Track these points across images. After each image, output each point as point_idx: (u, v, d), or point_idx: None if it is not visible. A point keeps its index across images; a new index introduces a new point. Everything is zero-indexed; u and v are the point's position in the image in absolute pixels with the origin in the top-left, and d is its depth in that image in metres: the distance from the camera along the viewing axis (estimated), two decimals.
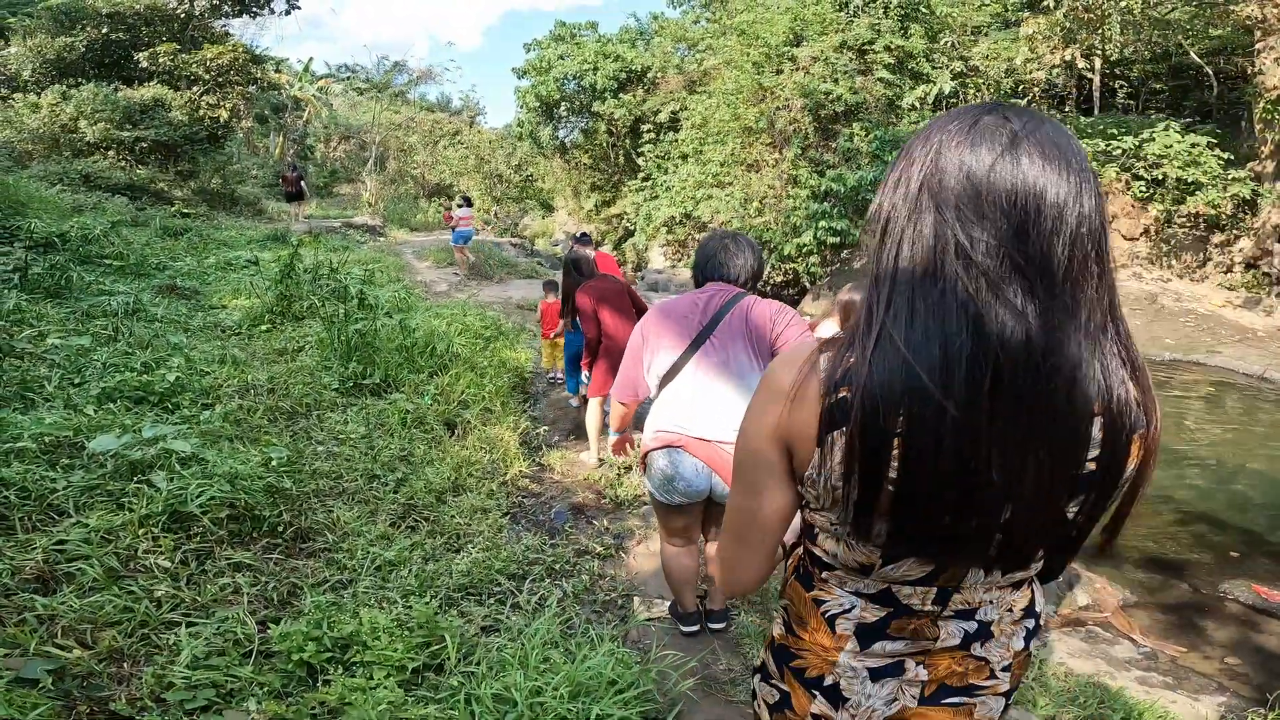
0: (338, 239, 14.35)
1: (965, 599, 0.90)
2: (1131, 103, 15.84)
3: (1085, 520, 0.85)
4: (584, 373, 4.77)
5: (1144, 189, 13.09)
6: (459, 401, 4.72)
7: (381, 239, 17.32)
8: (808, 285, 15.03)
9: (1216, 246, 13.18)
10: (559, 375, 6.19)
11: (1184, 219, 13.09)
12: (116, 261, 8.22)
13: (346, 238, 15.09)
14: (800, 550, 1.01)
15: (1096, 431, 0.79)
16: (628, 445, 3.05)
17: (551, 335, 6.10)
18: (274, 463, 3.34)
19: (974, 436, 0.75)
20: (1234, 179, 12.23)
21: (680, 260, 18.58)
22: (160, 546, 2.62)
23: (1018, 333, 0.74)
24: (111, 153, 13.98)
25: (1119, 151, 13.18)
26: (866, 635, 0.92)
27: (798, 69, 14.96)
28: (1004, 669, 0.95)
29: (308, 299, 5.92)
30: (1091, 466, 0.80)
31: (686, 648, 2.69)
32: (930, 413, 0.75)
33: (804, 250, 14.18)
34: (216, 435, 3.73)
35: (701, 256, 2.46)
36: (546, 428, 5.08)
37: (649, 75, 21.54)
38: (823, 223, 13.66)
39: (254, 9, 16.80)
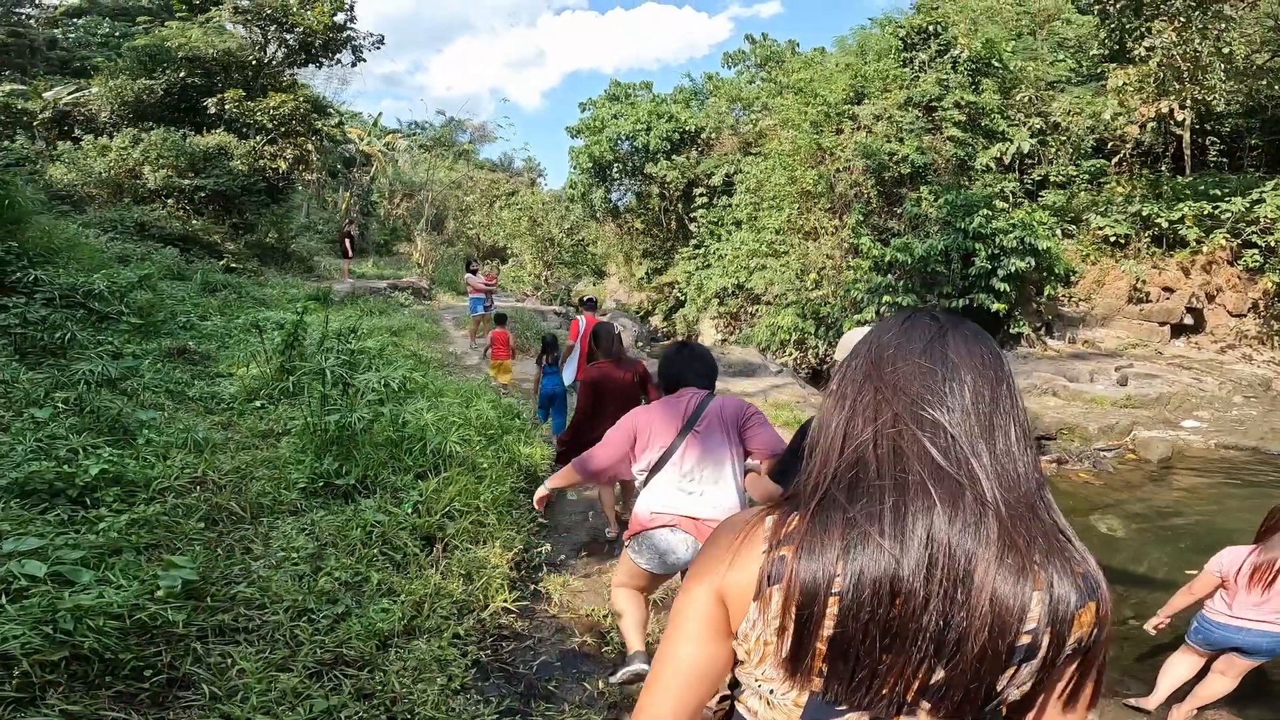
0: (379, 301, 14.07)
1: None
2: (1225, 160, 14.46)
3: (1030, 690, 0.87)
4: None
5: (1257, 257, 11.64)
6: (445, 512, 3.88)
7: (427, 302, 17.05)
8: None
9: None
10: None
11: None
12: (134, 319, 7.88)
13: (389, 300, 14.81)
14: (726, 705, 1.01)
15: (1034, 606, 0.82)
16: (545, 504, 2.99)
17: (496, 361, 8.14)
18: (163, 590, 2.57)
19: (909, 603, 0.81)
20: None
21: (733, 334, 17.57)
22: None
23: (960, 508, 0.82)
24: (171, 201, 13.99)
25: (1226, 215, 11.83)
26: None
27: (859, 128, 14.21)
28: None
29: (311, 374, 5.26)
30: (1026, 640, 0.82)
31: None
32: (868, 581, 0.81)
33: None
34: (116, 548, 2.98)
35: (671, 368, 2.87)
36: (548, 546, 4.18)
37: (703, 136, 21.18)
38: (886, 297, 12.56)
39: (321, 59, 17.15)
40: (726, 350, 14.37)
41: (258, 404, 5.65)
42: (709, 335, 18.48)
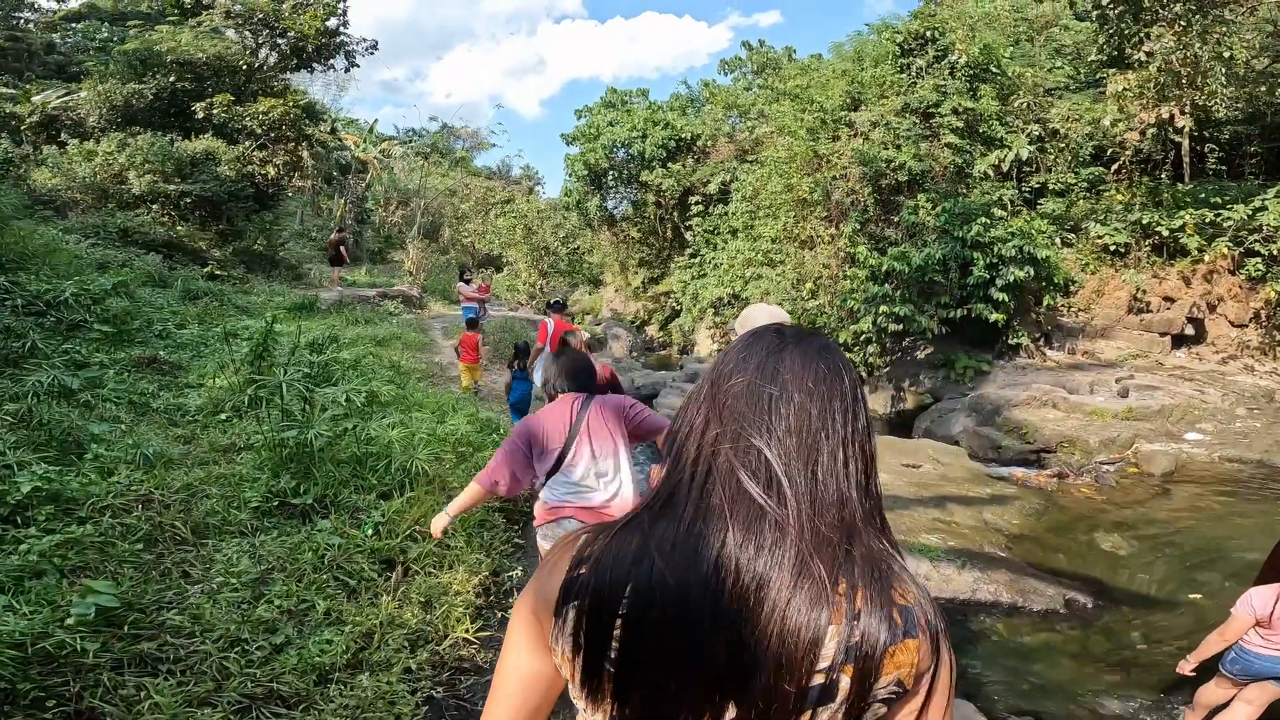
0: (366, 309, 13.83)
1: None
2: (1224, 168, 14.27)
3: None
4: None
5: (1260, 266, 11.44)
6: (408, 534, 3.63)
7: (418, 311, 16.81)
8: (864, 377, 13.62)
9: None
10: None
11: None
12: (105, 328, 7.64)
13: (377, 309, 14.57)
14: None
15: (829, 641, 0.77)
16: (439, 533, 3.03)
17: (464, 365, 8.28)
18: (74, 617, 2.33)
19: (691, 632, 0.78)
20: None
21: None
22: None
23: (757, 536, 0.79)
24: (156, 206, 13.73)
25: (1228, 223, 11.62)
26: None
27: (856, 135, 14.01)
28: None
29: (269, 387, 5.01)
30: (819, 679, 0.77)
31: None
32: (651, 603, 0.79)
33: (862, 338, 12.77)
34: (38, 570, 2.74)
35: (553, 375, 3.02)
36: (520, 570, 3.92)
37: (699, 144, 21.02)
38: (883, 307, 12.29)
39: (314, 63, 16.97)
40: None
41: (223, 417, 5.40)
42: (705, 346, 18.23)
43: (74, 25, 24.79)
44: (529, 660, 0.88)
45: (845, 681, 0.77)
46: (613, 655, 0.80)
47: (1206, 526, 6.69)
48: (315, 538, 3.39)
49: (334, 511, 3.73)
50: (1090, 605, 5.00)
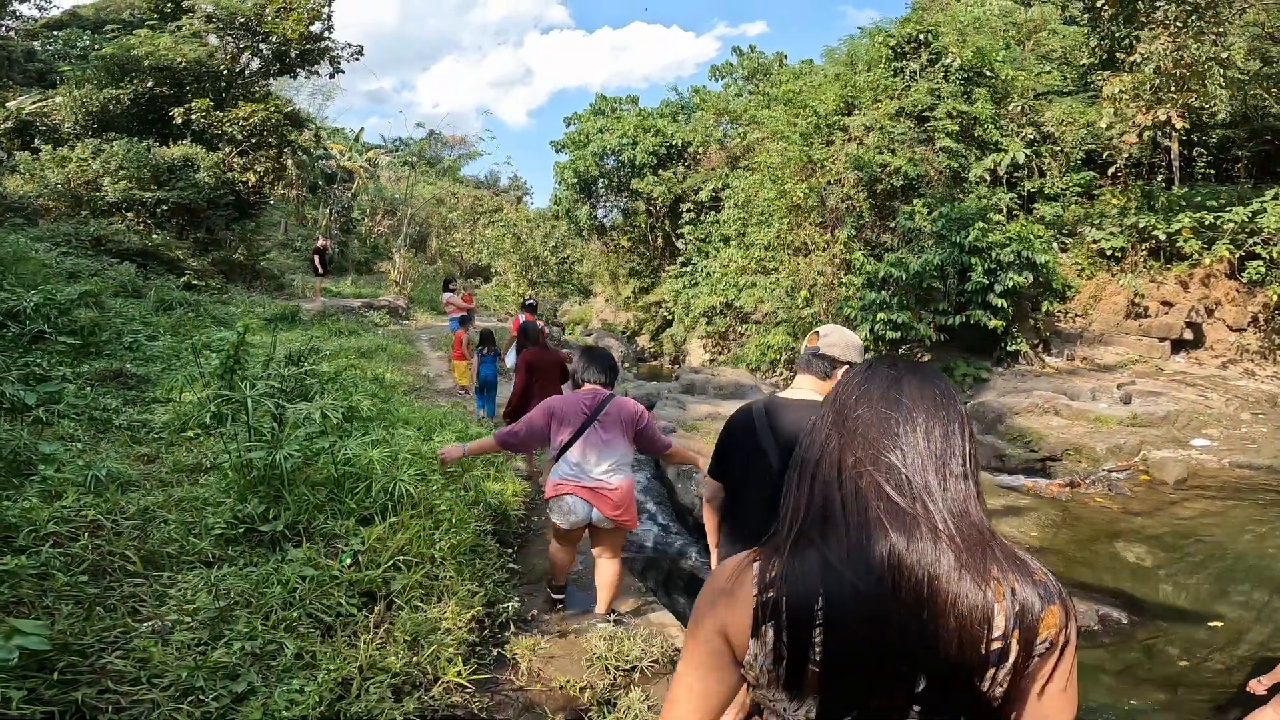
0: (351, 320, 13.40)
1: None
2: (1212, 171, 14.21)
3: (1006, 690, 0.94)
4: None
5: (1260, 269, 11.31)
6: (391, 563, 3.25)
7: (404, 322, 16.38)
8: None
9: None
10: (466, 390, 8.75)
11: None
12: (71, 339, 7.21)
13: (362, 319, 14.14)
14: None
15: (998, 616, 0.92)
16: (450, 460, 3.67)
17: (456, 358, 9.11)
18: None
19: (882, 625, 0.92)
20: None
21: (722, 355, 16.96)
22: None
23: (916, 539, 0.93)
24: (131, 214, 13.23)
25: (1228, 225, 11.49)
26: None
27: (850, 139, 13.81)
28: None
29: (233, 403, 4.60)
30: (997, 645, 0.92)
31: None
32: (845, 607, 0.93)
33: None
34: None
35: (582, 367, 3.59)
36: (517, 601, 3.55)
37: (690, 150, 20.76)
38: (881, 314, 12.04)
39: (297, 69, 16.56)
40: (716, 371, 13.77)
41: (190, 434, 5.01)
42: (697, 355, 17.89)
43: (55, 33, 24.26)
44: (710, 675, 1.02)
45: (1014, 644, 0.93)
46: (816, 656, 0.93)
47: (1229, 535, 6.44)
48: (285, 569, 3.01)
49: (308, 539, 3.35)
50: (1125, 621, 4.72)
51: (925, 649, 0.91)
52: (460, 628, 3.05)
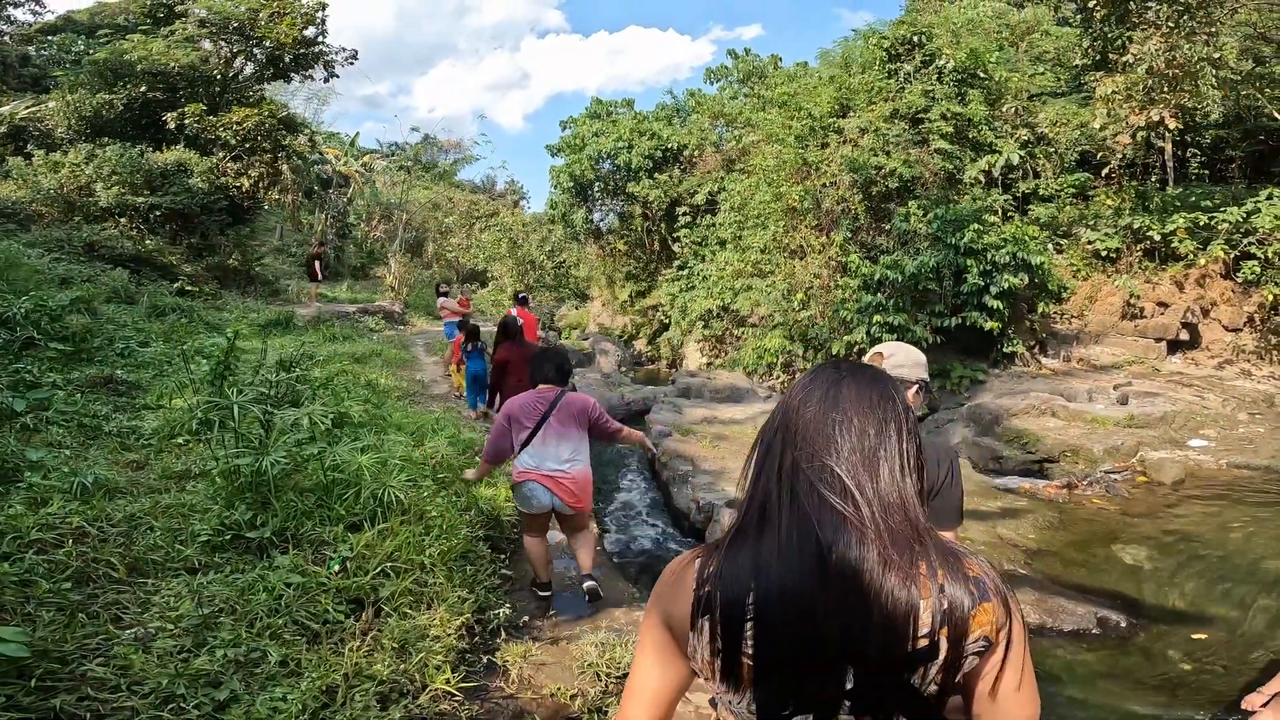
0: (345, 326, 13.35)
1: None
2: (1205, 171, 14.22)
3: (940, 688, 0.96)
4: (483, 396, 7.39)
5: (1256, 269, 11.31)
6: (380, 570, 3.21)
7: (400, 328, 16.33)
8: None
9: None
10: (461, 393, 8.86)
11: None
12: (62, 345, 7.17)
13: (356, 325, 14.09)
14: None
15: (924, 612, 0.94)
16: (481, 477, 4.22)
17: (455, 363, 9.36)
18: None
19: (809, 620, 0.95)
20: None
21: (719, 358, 16.90)
22: None
23: (842, 537, 0.96)
24: (124, 220, 13.19)
25: (1223, 226, 11.50)
26: None
27: (845, 142, 13.80)
28: None
29: (218, 408, 4.55)
30: (924, 642, 0.94)
31: None
32: (773, 603, 0.96)
33: (855, 349, 12.44)
34: None
35: (534, 369, 3.97)
36: (508, 608, 3.51)
37: (685, 154, 20.73)
38: (877, 317, 11.99)
39: (292, 73, 16.51)
40: (713, 375, 13.70)
41: (179, 441, 4.96)
42: (694, 359, 17.84)
43: (50, 38, 24.18)
44: (659, 666, 1.07)
45: (943, 641, 0.94)
46: (748, 650, 0.97)
47: (1227, 537, 6.41)
48: (271, 575, 2.97)
49: (295, 546, 3.31)
50: (1124, 624, 4.68)
51: (851, 644, 0.93)
52: (450, 634, 3.01)
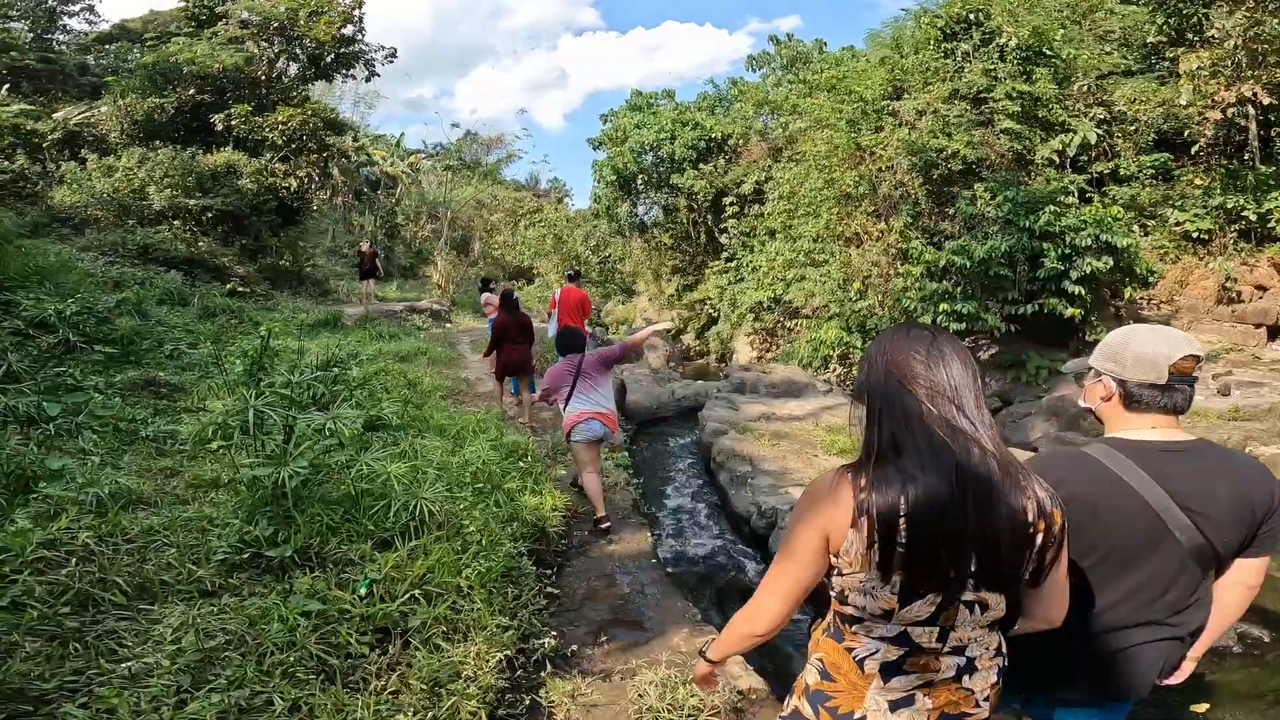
0: (392, 324, 13.25)
1: (959, 637, 1.32)
2: None
3: (1032, 569, 1.32)
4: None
5: None
6: (410, 593, 2.84)
7: (446, 325, 16.22)
8: None
9: None
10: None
11: None
12: (108, 348, 7.10)
13: (403, 324, 13.98)
14: (828, 617, 1.42)
15: (1030, 511, 1.29)
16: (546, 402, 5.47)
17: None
18: None
19: (952, 519, 1.24)
20: None
21: (769, 352, 16.26)
22: None
23: (973, 454, 1.27)
24: (177, 222, 13.27)
25: None
26: (888, 671, 1.32)
27: (901, 124, 13.01)
28: (984, 699, 1.36)
29: (233, 414, 4.26)
30: (1031, 532, 1.29)
31: None
32: (923, 506, 1.24)
33: None
34: None
35: (562, 343, 5.28)
36: (554, 637, 3.09)
37: (730, 143, 20.08)
38: (943, 305, 11.22)
39: (333, 73, 16.56)
40: (767, 369, 13.09)
41: (215, 446, 4.72)
42: (744, 353, 17.25)
43: (107, 47, 24.95)
44: (811, 572, 1.34)
45: (1039, 533, 1.29)
46: (901, 540, 1.23)
47: None
48: (287, 601, 2.62)
49: (319, 565, 2.97)
50: (1267, 639, 4.09)
51: (983, 535, 1.25)
52: (487, 671, 2.61)
